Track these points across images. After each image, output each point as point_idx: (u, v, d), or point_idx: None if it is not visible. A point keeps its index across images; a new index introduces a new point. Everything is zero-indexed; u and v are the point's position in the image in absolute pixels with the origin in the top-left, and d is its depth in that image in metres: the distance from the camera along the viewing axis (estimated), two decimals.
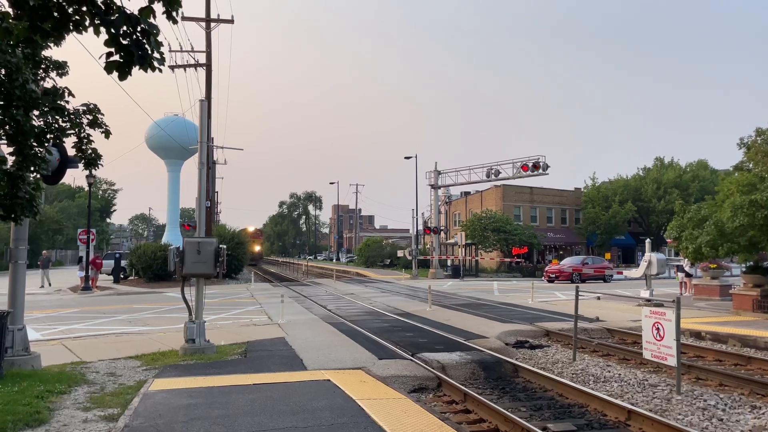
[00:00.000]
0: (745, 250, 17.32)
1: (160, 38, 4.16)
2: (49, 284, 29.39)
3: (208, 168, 19.15)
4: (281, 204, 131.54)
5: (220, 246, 10.74)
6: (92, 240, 28.59)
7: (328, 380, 8.32)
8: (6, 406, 6.67)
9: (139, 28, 3.96)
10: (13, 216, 7.02)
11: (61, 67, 8.10)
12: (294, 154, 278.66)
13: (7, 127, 6.51)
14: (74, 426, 6.29)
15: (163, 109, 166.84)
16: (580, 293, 12.05)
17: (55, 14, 3.89)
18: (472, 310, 18.49)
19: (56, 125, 7.68)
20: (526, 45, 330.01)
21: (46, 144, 7.36)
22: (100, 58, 4.02)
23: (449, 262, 46.66)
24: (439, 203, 49.26)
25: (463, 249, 45.41)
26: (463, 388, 8.18)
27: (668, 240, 26.58)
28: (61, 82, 8.01)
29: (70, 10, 3.92)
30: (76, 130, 8.00)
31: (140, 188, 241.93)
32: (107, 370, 9.25)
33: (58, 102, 7.56)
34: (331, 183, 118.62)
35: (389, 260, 61.42)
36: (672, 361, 8.47)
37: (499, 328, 13.99)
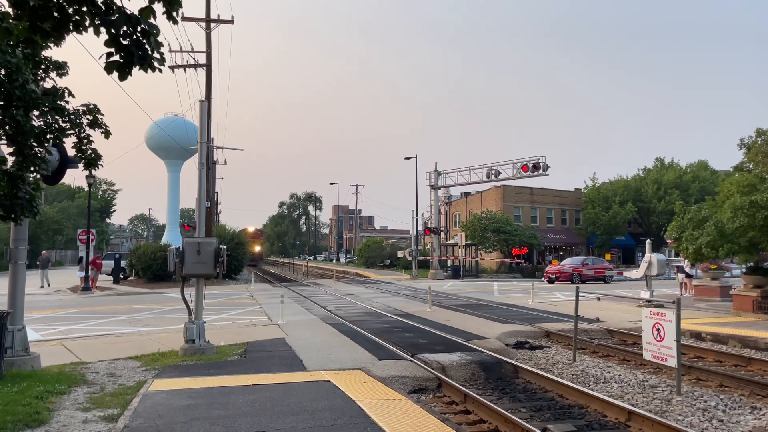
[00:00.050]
0: (746, 250, 17.33)
1: (160, 38, 4.15)
2: (48, 285, 29.37)
3: (208, 168, 19.16)
4: (281, 204, 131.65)
5: (220, 246, 10.73)
6: (92, 240, 28.58)
7: (328, 381, 8.32)
8: (6, 407, 6.66)
9: (139, 29, 3.96)
10: (13, 216, 7.02)
11: (61, 68, 8.09)
12: (294, 154, 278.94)
13: (7, 127, 6.51)
14: (74, 426, 6.29)
15: (163, 110, 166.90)
16: (580, 294, 12.04)
17: (56, 14, 3.89)
18: (472, 310, 18.48)
19: (56, 125, 7.68)
20: (526, 45, 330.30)
21: (46, 144, 7.37)
22: (100, 58, 4.01)
23: (449, 263, 46.64)
24: (439, 204, 49.25)
25: (463, 249, 45.40)
26: (463, 388, 8.18)
27: (668, 241, 26.59)
28: (61, 83, 8.01)
29: (71, 10, 3.91)
30: (76, 130, 8.00)
31: (140, 188, 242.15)
32: (107, 371, 9.25)
33: (58, 102, 7.56)
34: (331, 183, 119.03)
35: (389, 261, 61.41)
36: (672, 362, 8.46)
37: (499, 329, 13.98)
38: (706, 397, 8.23)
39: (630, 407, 7.20)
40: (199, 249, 10.47)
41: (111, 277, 33.11)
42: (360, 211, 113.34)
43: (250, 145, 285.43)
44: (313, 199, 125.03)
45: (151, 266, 32.38)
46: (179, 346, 10.72)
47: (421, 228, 53.99)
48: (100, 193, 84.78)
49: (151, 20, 4.04)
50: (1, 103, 6.48)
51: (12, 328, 8.72)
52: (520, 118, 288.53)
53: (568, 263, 36.84)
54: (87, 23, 3.95)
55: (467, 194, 62.66)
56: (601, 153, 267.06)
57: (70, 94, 7.77)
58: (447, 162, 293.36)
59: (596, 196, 54.65)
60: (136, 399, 7.32)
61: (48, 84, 7.83)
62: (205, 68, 31.28)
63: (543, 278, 36.90)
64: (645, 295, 19.46)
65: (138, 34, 3.97)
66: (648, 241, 22.85)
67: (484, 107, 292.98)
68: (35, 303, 20.82)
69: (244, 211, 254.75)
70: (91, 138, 8.16)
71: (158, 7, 4.08)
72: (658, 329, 8.81)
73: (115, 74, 4.04)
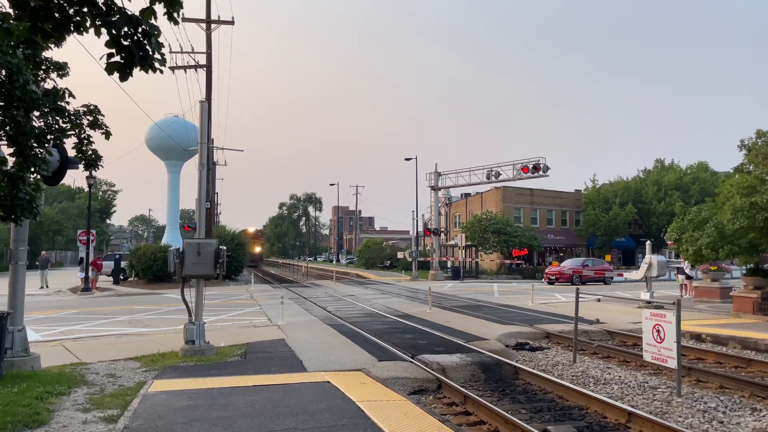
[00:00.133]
0: (746, 252, 17.32)
1: (160, 39, 4.15)
2: (46, 286, 29.38)
3: (208, 169, 19.17)
4: (281, 205, 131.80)
5: (220, 247, 10.73)
6: (92, 241, 28.58)
7: (328, 382, 8.32)
8: (6, 407, 6.66)
9: (140, 29, 3.96)
10: (13, 217, 7.02)
11: (61, 68, 8.10)
12: (294, 155, 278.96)
13: (7, 128, 6.51)
14: (74, 427, 6.28)
15: (163, 110, 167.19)
16: (580, 295, 12.05)
17: (56, 15, 3.89)
18: (472, 311, 18.48)
19: (57, 126, 7.68)
20: (525, 46, 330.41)
21: (47, 145, 7.37)
22: (101, 59, 4.02)
23: (449, 264, 46.63)
24: (439, 205, 49.25)
25: (463, 251, 45.39)
26: (463, 390, 8.18)
27: (669, 242, 26.58)
28: (62, 83, 8.02)
29: (71, 11, 3.91)
30: (77, 131, 8.00)
31: (140, 189, 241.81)
32: (107, 372, 9.25)
33: (59, 103, 7.57)
34: (331, 184, 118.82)
35: (389, 262, 61.40)
36: (672, 364, 8.46)
37: (499, 330, 13.97)
38: (706, 399, 8.22)
39: (630, 408, 7.20)
40: (199, 250, 10.47)
41: (111, 278, 33.11)
42: (360, 212, 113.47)
43: (250, 145, 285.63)
44: (313, 200, 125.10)
45: (151, 267, 32.38)
46: (179, 346, 10.72)
47: (421, 229, 54.01)
48: (101, 193, 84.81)
49: (152, 21, 4.05)
50: (2, 103, 6.49)
51: (12, 328, 8.72)
52: (521, 119, 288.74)
53: (568, 264, 36.83)
54: (88, 24, 3.95)
55: (467, 195, 62.67)
56: (601, 154, 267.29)
57: (71, 94, 7.78)
58: (447, 163, 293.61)
59: (596, 197, 54.64)
60: (136, 400, 7.32)
61: (48, 85, 7.84)
62: (205, 69, 31.31)
63: (543, 279, 36.89)
64: (645, 296, 19.44)
65: (139, 35, 3.97)
66: (648, 242, 22.84)
67: (485, 108, 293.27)
68: (35, 304, 20.81)
69: (244, 212, 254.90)
70: (91, 139, 8.17)
71: (159, 8, 4.09)
72: (658, 330, 8.81)
73: (116, 75, 4.04)
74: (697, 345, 12.83)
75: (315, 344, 11.74)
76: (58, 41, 4.10)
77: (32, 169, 7.00)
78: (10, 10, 4.09)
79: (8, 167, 6.79)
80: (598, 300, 21.52)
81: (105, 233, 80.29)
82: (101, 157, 8.40)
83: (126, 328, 15.06)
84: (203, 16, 31.07)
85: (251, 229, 74.08)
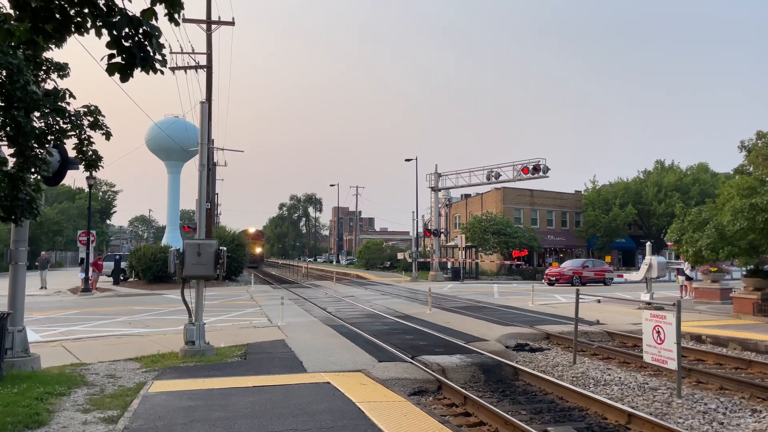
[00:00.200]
0: (746, 253, 17.33)
1: (161, 40, 4.15)
2: (45, 286, 29.38)
3: (209, 170, 19.17)
4: (281, 206, 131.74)
5: (221, 248, 10.74)
6: (92, 242, 28.57)
7: (328, 383, 8.32)
8: (6, 408, 6.66)
9: (141, 30, 3.96)
10: (13, 217, 7.02)
11: (62, 69, 8.10)
12: (294, 156, 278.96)
13: (8, 128, 6.51)
14: (74, 428, 6.28)
15: (163, 111, 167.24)
16: (580, 296, 12.05)
17: (57, 16, 3.89)
18: (472, 312, 18.48)
19: (57, 127, 7.68)
20: (525, 47, 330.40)
21: (47, 145, 7.37)
22: (101, 60, 4.02)
23: (449, 265, 46.63)
24: (440, 206, 49.25)
25: (464, 251, 45.40)
26: (463, 391, 8.17)
27: (669, 243, 26.57)
28: (62, 84, 8.02)
29: (72, 12, 3.91)
30: (77, 131, 8.00)
31: (140, 190, 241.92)
32: (107, 372, 9.24)
33: (59, 103, 7.57)
34: (332, 185, 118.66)
35: (389, 262, 61.39)
36: (672, 365, 8.46)
37: (499, 331, 13.97)
38: (706, 400, 8.22)
39: (630, 410, 7.20)
40: (199, 250, 10.47)
41: (111, 279, 33.11)
42: (360, 212, 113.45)
43: (250, 146, 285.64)
44: (314, 201, 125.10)
45: (151, 267, 32.38)
46: (179, 347, 10.72)
47: (421, 230, 53.99)
48: (101, 194, 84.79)
49: (153, 22, 4.05)
50: (2, 104, 6.49)
51: (12, 329, 8.72)
52: (521, 121, 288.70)
53: (569, 265, 36.82)
54: (89, 25, 3.95)
55: (467, 196, 62.68)
56: (601, 155, 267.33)
57: (71, 95, 7.78)
58: (447, 164, 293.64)
59: (596, 198, 54.64)
60: (136, 400, 7.32)
61: (49, 85, 7.84)
62: (205, 70, 31.31)
63: (543, 280, 36.89)
64: (645, 297, 19.45)
65: (140, 36, 3.97)
66: (648, 243, 22.84)
67: (485, 109, 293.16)
68: (35, 304, 20.81)
69: (244, 212, 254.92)
70: (91, 139, 8.17)
71: (160, 9, 4.08)
72: (658, 332, 8.81)
73: (117, 76, 4.04)
74: (697, 346, 12.82)
75: (315, 345, 11.74)
76: (59, 42, 4.10)
77: (32, 170, 7.00)
78: (11, 11, 4.09)
79: (8, 168, 6.79)
80: (598, 301, 21.51)
81: (105, 234, 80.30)
82: (101, 157, 8.40)
83: (126, 328, 15.05)
84: (203, 17, 31.12)
85: (252, 230, 73.99)
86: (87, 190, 32.65)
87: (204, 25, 31.05)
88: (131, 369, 9.52)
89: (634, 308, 19.12)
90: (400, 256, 51.92)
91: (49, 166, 7.83)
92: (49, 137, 7.41)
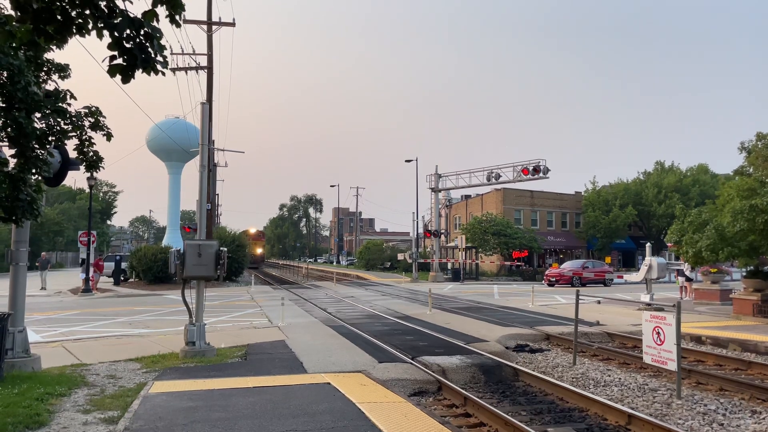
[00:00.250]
0: (746, 254, 17.33)
1: (162, 41, 4.16)
2: (44, 287, 29.39)
3: (209, 171, 19.18)
4: (282, 207, 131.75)
5: (221, 249, 10.75)
6: (93, 242, 28.59)
7: (328, 383, 8.32)
8: (6, 409, 6.67)
9: (142, 32, 3.97)
10: (14, 218, 7.03)
11: (63, 70, 8.12)
12: (294, 156, 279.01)
13: (9, 129, 6.53)
14: (74, 428, 6.29)
15: (164, 111, 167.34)
16: (580, 297, 12.06)
17: (59, 17, 3.90)
18: (473, 313, 18.48)
19: (58, 127, 7.70)
20: (525, 49, 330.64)
21: (48, 146, 7.39)
22: (103, 61, 4.03)
23: (449, 266, 46.64)
24: (440, 206, 49.27)
25: (464, 252, 45.41)
26: (463, 391, 8.18)
27: (669, 244, 26.55)
28: (63, 85, 8.04)
29: (74, 13, 3.92)
30: (78, 132, 8.03)
31: (141, 190, 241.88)
32: (107, 373, 9.25)
33: (60, 104, 7.59)
34: (332, 186, 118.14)
35: (389, 263, 61.41)
36: (672, 366, 8.47)
37: (499, 332, 13.98)
38: (706, 401, 8.23)
39: (630, 411, 7.21)
40: (200, 251, 10.48)
41: (111, 279, 33.13)
42: (360, 213, 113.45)
43: (250, 146, 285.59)
44: (314, 202, 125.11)
45: (151, 268, 32.40)
46: (180, 348, 10.73)
47: (421, 231, 54.00)
48: (101, 194, 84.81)
49: (154, 23, 4.06)
50: (4, 105, 6.51)
51: (13, 329, 8.73)
52: (521, 122, 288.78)
53: (569, 266, 36.83)
54: (90, 26, 3.96)
55: (467, 197, 62.70)
56: (601, 156, 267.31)
57: (72, 96, 7.80)
58: (447, 165, 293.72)
59: (596, 199, 54.64)
60: (136, 401, 7.32)
61: (50, 86, 7.86)
62: (206, 70, 31.33)
63: (543, 281, 36.89)
64: (645, 298, 19.45)
65: (141, 38, 3.98)
66: (648, 244, 22.83)
67: (485, 110, 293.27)
68: (36, 305, 20.82)
69: (245, 213, 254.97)
70: (92, 140, 8.20)
71: (161, 11, 4.10)
72: (658, 333, 8.82)
73: (118, 77, 4.05)
74: (697, 347, 12.83)
75: (315, 346, 11.75)
76: (60, 43, 4.10)
77: (33, 171, 7.02)
78: (12, 12, 4.10)
79: (9, 168, 6.80)
80: (598, 302, 21.51)
81: (106, 234, 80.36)
82: (102, 158, 8.42)
83: (126, 329, 15.06)
84: (204, 18, 31.16)
85: (252, 230, 74.00)
86: (88, 190, 32.68)
87: (204, 26, 31.06)
88: (132, 369, 9.53)
89: (634, 309, 19.12)
90: (400, 256, 51.94)
91: (50, 167, 7.85)
92: (50, 138, 7.43)
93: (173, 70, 30.57)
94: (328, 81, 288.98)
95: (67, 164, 9.07)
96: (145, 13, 4.02)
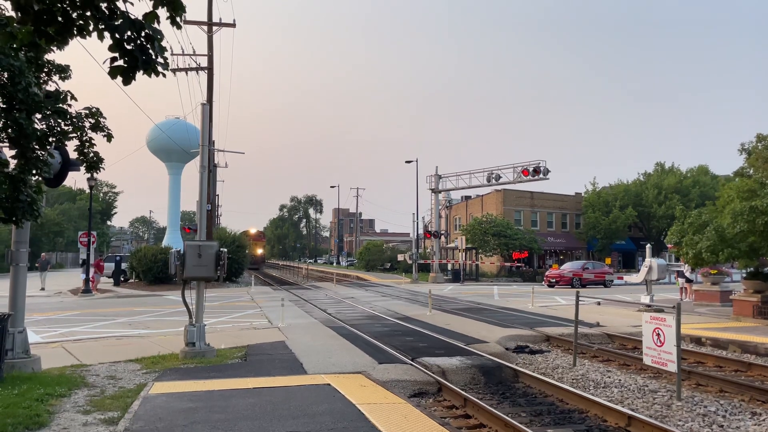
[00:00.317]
0: (746, 255, 17.33)
1: (163, 43, 4.17)
2: (44, 288, 29.40)
3: (209, 171, 19.19)
4: (282, 207, 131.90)
5: (221, 249, 10.75)
6: (93, 243, 28.60)
7: (328, 384, 8.33)
8: (6, 409, 6.67)
9: (143, 33, 3.98)
10: (14, 219, 7.04)
11: (63, 71, 8.13)
12: (294, 157, 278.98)
13: (9, 130, 6.54)
14: (74, 429, 6.29)
15: (164, 112, 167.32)
16: (580, 298, 12.05)
17: (60, 19, 3.91)
18: (473, 314, 18.49)
19: (58, 128, 7.71)
20: (526, 49, 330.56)
21: (48, 147, 7.40)
22: (104, 62, 4.03)
23: (450, 267, 46.66)
24: (440, 207, 49.30)
25: (464, 253, 45.40)
26: (463, 393, 8.18)
27: (669, 245, 26.58)
28: (64, 86, 8.04)
29: (75, 15, 3.93)
30: (78, 133, 8.03)
31: (141, 191, 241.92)
32: (107, 373, 9.26)
33: (61, 105, 7.59)
34: (332, 187, 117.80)
35: (389, 264, 61.43)
36: (672, 367, 8.47)
37: (499, 333, 13.98)
38: (706, 403, 8.23)
39: (630, 412, 7.21)
40: (200, 252, 10.48)
41: (111, 280, 33.14)
42: (360, 214, 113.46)
43: (250, 147, 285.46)
44: (314, 202, 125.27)
45: (151, 269, 32.41)
46: (180, 348, 10.73)
47: (421, 231, 54.01)
48: (101, 195, 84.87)
49: (155, 25, 4.06)
50: (4, 106, 6.52)
51: (13, 330, 8.74)
52: (521, 122, 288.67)
53: (569, 267, 36.84)
54: (91, 28, 3.97)
55: (468, 198, 62.73)
56: (601, 157, 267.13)
57: (73, 97, 7.81)
58: (448, 165, 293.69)
59: (596, 200, 54.66)
60: (136, 402, 7.33)
61: (50, 87, 7.87)
62: (206, 71, 31.35)
63: (543, 282, 36.89)
64: (645, 299, 19.45)
65: (142, 39, 3.98)
66: (648, 245, 22.84)
67: (486, 111, 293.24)
68: (36, 305, 20.83)
69: (245, 213, 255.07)
70: (93, 141, 8.20)
71: (162, 12, 4.10)
72: (658, 334, 8.82)
73: (119, 79, 4.06)
74: (697, 348, 12.83)
75: (315, 346, 11.75)
76: (61, 45, 4.11)
77: (34, 171, 7.02)
78: (13, 14, 4.11)
79: (10, 169, 6.81)
80: (598, 303, 21.51)
81: (106, 235, 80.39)
82: (103, 159, 8.43)
83: (126, 329, 15.07)
84: (204, 19, 31.18)
85: (252, 231, 73.96)
86: (88, 191, 32.71)
87: (205, 27, 31.10)
88: (132, 370, 9.53)
89: (634, 310, 19.12)
90: (400, 257, 51.96)
91: (50, 168, 7.85)
92: (50, 139, 7.44)
93: (174, 71, 30.60)
94: (328, 81, 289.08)
95: (68, 165, 9.07)
96: (146, 15, 4.03)
